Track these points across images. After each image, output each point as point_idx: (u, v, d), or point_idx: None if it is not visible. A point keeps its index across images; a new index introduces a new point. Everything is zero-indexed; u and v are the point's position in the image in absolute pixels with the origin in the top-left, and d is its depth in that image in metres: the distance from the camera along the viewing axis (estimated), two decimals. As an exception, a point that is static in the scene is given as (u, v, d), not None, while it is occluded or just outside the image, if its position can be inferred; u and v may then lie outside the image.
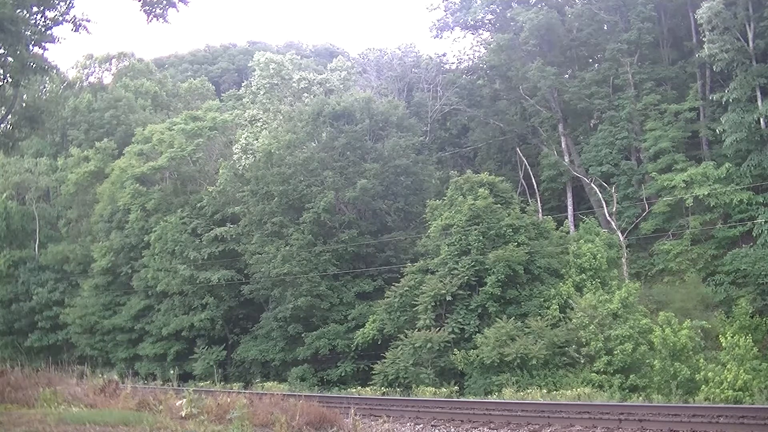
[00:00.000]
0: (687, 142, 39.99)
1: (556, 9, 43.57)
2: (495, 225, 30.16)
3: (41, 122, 24.94)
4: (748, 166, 35.65)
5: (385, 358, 28.78)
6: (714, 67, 36.67)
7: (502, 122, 46.69)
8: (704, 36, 36.09)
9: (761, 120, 35.30)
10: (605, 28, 43.91)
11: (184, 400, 15.01)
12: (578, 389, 22.47)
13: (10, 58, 21.01)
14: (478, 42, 50.85)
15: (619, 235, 36.94)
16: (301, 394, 18.18)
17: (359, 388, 28.71)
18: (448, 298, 28.97)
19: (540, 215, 37.07)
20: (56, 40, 21.36)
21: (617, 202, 39.16)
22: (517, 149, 45.75)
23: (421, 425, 15.71)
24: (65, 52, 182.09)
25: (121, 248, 46.42)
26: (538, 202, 41.48)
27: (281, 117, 42.56)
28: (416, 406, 17.53)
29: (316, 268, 35.05)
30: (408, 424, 15.75)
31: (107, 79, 67.74)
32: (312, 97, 42.16)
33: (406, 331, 29.16)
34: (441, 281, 29.28)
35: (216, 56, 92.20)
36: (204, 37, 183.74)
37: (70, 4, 21.09)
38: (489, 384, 26.11)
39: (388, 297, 31.43)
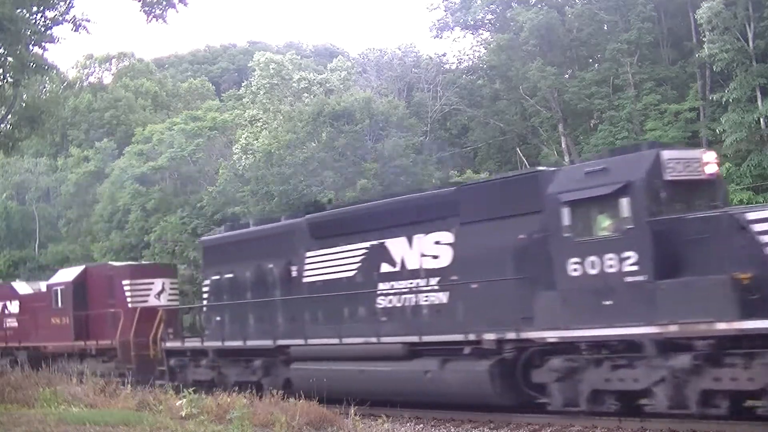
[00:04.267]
0: (687, 142, 39.91)
1: (556, 9, 43.57)
2: (495, 225, 29.94)
3: (41, 122, 24.90)
4: (748, 166, 35.62)
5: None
6: (714, 67, 36.65)
7: (502, 122, 46.69)
8: (704, 36, 36.08)
9: (761, 120, 35.30)
10: (605, 28, 43.91)
11: (184, 400, 15.03)
12: (578, 389, 22.35)
13: (10, 58, 21.00)
14: (478, 42, 50.87)
15: (620, 235, 36.81)
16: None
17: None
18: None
19: (540, 215, 36.99)
20: (56, 40, 21.35)
21: (617, 202, 39.07)
22: (517, 149, 45.77)
23: (422, 425, 15.70)
24: (65, 52, 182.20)
25: (121, 248, 46.42)
26: (539, 201, 41.35)
27: (281, 117, 42.57)
28: (416, 406, 17.48)
29: (316, 268, 35.03)
30: (408, 424, 15.74)
31: (107, 79, 67.91)
32: (312, 97, 42.18)
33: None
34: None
35: (216, 56, 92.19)
36: (204, 37, 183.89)
37: (70, 4, 21.08)
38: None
39: (388, 297, 31.26)
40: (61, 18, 21.06)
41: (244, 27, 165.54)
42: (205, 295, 21.23)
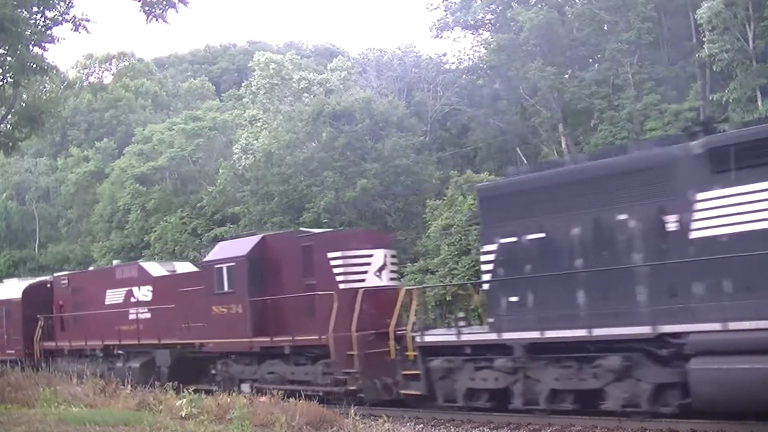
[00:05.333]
0: (687, 142, 39.92)
1: (556, 9, 43.59)
2: (496, 225, 29.66)
3: (41, 122, 24.82)
4: (749, 166, 35.58)
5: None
6: (714, 67, 36.67)
7: (502, 122, 46.70)
8: (704, 36, 36.09)
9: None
10: (605, 28, 43.91)
11: (184, 400, 15.03)
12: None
13: (10, 58, 20.99)
14: (478, 42, 50.87)
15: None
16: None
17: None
18: (448, 298, 28.93)
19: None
20: (56, 40, 21.34)
21: (618, 202, 38.96)
22: (517, 149, 45.76)
23: (422, 425, 15.70)
24: (65, 52, 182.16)
25: (121, 248, 46.48)
26: (539, 201, 41.21)
27: (281, 117, 42.58)
28: (416, 406, 17.49)
29: (316, 268, 35.02)
30: (408, 424, 15.75)
31: (107, 79, 67.90)
32: (312, 97, 42.20)
33: (406, 331, 28.51)
34: (441, 281, 29.27)
35: (216, 56, 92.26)
36: (204, 37, 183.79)
37: (70, 4, 21.06)
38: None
39: (388, 297, 30.99)
40: (61, 18, 21.04)
41: (244, 27, 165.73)
42: (488, 267, 15.18)
